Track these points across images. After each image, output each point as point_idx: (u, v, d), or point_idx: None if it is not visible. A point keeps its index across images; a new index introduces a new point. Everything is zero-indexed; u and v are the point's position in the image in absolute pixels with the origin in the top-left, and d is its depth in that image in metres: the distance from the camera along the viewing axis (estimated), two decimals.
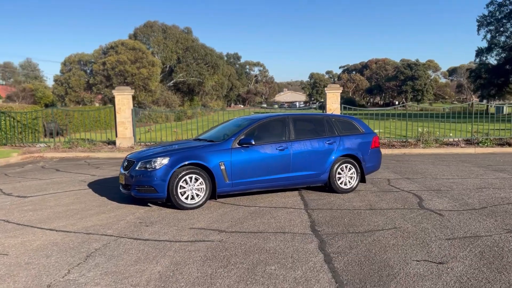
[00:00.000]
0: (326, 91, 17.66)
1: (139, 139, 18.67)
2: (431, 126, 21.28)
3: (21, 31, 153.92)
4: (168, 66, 48.70)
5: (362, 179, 8.69)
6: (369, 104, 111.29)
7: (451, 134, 18.38)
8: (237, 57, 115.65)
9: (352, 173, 8.46)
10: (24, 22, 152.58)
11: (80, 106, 36.55)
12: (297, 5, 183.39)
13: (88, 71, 40.89)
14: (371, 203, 7.49)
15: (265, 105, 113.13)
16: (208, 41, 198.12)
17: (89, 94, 38.34)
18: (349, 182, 8.43)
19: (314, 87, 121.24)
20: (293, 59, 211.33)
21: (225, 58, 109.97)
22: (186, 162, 7.08)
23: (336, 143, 8.34)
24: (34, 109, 20.72)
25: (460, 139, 17.41)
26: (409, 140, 17.16)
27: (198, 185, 7.18)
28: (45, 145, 17.93)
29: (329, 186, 8.36)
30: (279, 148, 7.82)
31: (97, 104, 40.69)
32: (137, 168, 7.20)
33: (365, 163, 8.61)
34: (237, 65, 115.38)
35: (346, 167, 8.41)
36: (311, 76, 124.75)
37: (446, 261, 4.64)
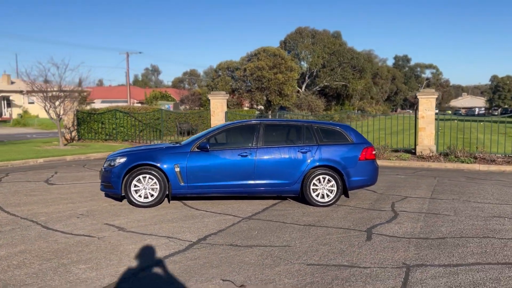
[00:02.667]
0: (418, 97, 16.03)
1: None
2: None
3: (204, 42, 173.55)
4: (314, 71, 49.26)
5: (345, 193, 7.90)
6: None
7: None
8: (406, 59, 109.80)
9: (331, 186, 7.75)
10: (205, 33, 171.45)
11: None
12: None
13: (236, 77, 44.12)
14: (325, 220, 6.81)
15: (436, 111, 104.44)
16: (371, 44, 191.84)
17: (231, 98, 41.37)
18: (327, 195, 7.74)
19: (496, 92, 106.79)
20: (477, 60, 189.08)
21: (393, 61, 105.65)
22: (139, 162, 7.55)
23: (311, 152, 7.75)
24: (149, 110, 23.50)
25: None
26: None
27: (152, 185, 7.57)
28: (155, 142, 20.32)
29: (302, 198, 7.82)
30: (242, 154, 7.67)
31: (245, 108, 43.87)
32: (105, 165, 7.95)
33: (349, 176, 7.77)
34: (406, 68, 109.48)
35: (324, 179, 7.74)
36: (493, 79, 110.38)
37: (252, 285, 4.16)
